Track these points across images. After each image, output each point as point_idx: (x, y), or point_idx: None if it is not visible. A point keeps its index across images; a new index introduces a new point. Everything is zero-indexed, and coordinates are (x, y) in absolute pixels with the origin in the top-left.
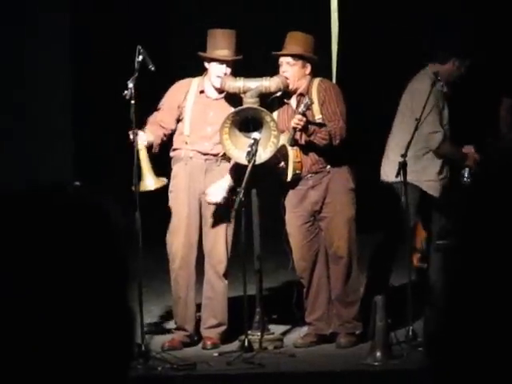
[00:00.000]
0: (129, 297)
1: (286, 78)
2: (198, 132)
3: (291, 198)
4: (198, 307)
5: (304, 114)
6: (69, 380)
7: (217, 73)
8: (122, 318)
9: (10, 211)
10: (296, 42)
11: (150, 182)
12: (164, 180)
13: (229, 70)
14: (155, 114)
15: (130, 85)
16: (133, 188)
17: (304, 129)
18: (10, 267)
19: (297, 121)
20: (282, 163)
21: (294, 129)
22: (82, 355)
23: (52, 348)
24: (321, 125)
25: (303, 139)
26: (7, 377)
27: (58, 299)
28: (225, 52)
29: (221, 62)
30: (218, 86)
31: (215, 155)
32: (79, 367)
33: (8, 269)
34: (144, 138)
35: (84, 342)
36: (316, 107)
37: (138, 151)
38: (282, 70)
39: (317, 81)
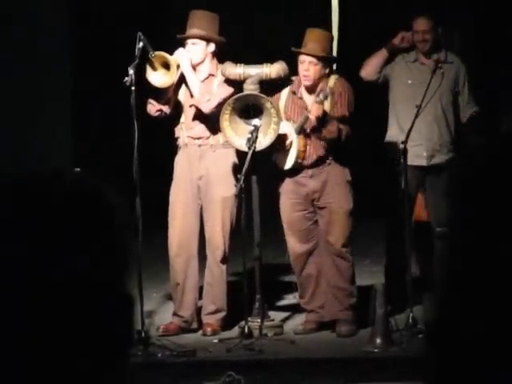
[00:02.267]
0: (128, 283)
1: (287, 65)
2: (189, 116)
3: (288, 185)
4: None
5: (322, 103)
6: (68, 367)
7: (190, 51)
8: (120, 304)
9: (9, 198)
10: (318, 41)
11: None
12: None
13: (196, 48)
14: None
15: (131, 71)
16: (134, 174)
17: (319, 118)
18: (8, 254)
19: (315, 110)
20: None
21: (307, 118)
22: (81, 342)
23: (51, 336)
24: (332, 119)
25: (312, 129)
26: (6, 364)
27: (57, 286)
28: (192, 30)
29: (191, 40)
30: (193, 62)
31: (208, 138)
32: (78, 354)
33: (6, 255)
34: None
35: (83, 328)
36: (328, 105)
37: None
38: (303, 67)
39: (333, 79)
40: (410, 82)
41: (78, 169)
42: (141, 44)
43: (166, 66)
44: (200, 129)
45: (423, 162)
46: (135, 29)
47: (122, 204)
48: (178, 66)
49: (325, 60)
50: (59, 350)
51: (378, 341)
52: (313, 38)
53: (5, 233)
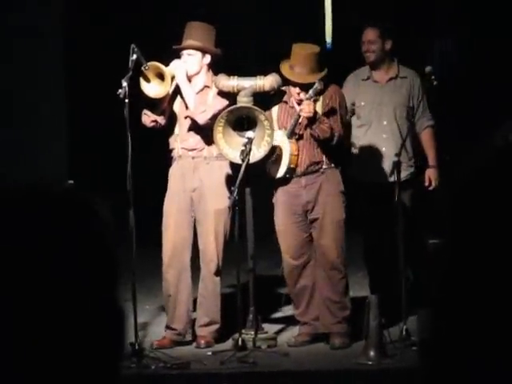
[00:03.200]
0: (119, 296)
1: (280, 77)
2: (184, 127)
3: (283, 196)
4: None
5: (312, 99)
6: (60, 379)
7: (185, 62)
8: (112, 317)
9: (3, 209)
10: (305, 63)
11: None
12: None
13: (192, 59)
14: None
15: (124, 83)
16: (127, 187)
17: (310, 118)
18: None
19: (305, 106)
20: (274, 158)
21: (297, 120)
22: (72, 354)
23: (41, 348)
24: (324, 119)
25: (303, 132)
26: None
27: (47, 298)
28: (188, 42)
29: (186, 51)
30: (189, 74)
31: (202, 150)
32: (69, 366)
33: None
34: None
35: (73, 340)
36: (319, 108)
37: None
38: (296, 97)
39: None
40: (362, 103)
41: (72, 181)
42: (134, 56)
43: (161, 76)
44: (194, 140)
45: (385, 179)
46: (130, 40)
47: (111, 216)
48: (173, 77)
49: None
50: (49, 362)
51: (372, 353)
52: (299, 61)
53: None
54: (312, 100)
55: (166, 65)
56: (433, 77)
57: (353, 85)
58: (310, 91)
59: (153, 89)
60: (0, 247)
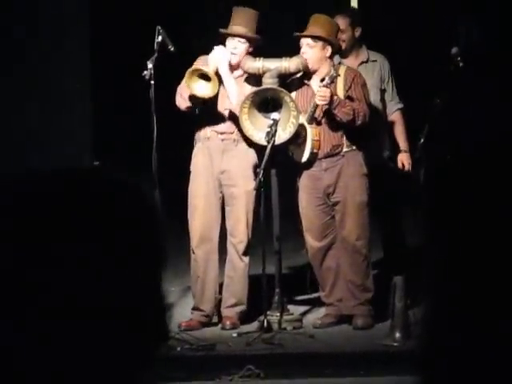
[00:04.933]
0: (162, 285)
1: (306, 59)
2: (216, 111)
3: (305, 180)
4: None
5: (328, 87)
6: (99, 363)
7: (230, 48)
8: (154, 302)
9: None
10: (317, 24)
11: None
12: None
13: (242, 47)
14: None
15: (150, 65)
16: (153, 168)
17: (328, 102)
18: (45, 248)
19: (322, 93)
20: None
21: (316, 105)
22: (112, 337)
23: (82, 329)
24: (345, 101)
25: (323, 117)
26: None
27: (91, 283)
28: (238, 28)
29: (233, 37)
30: (233, 62)
31: (232, 133)
32: (107, 349)
33: (43, 249)
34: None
35: (117, 327)
36: (341, 92)
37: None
38: (302, 51)
39: (344, 67)
40: None
41: (97, 162)
42: (160, 38)
43: (205, 77)
44: (226, 124)
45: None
46: (155, 23)
47: (158, 204)
48: (217, 74)
49: (323, 42)
50: (89, 345)
51: (398, 334)
52: (312, 23)
53: (40, 229)
54: (328, 86)
55: (205, 50)
56: (458, 58)
57: None
58: (327, 78)
59: (201, 89)
60: (49, 232)
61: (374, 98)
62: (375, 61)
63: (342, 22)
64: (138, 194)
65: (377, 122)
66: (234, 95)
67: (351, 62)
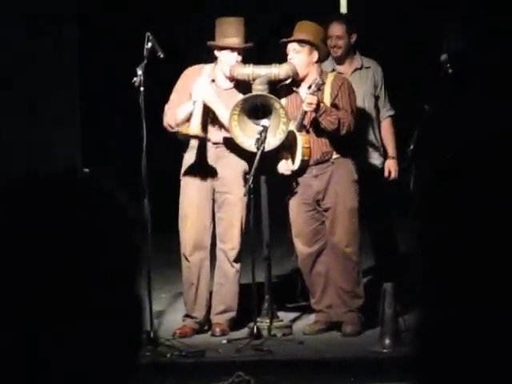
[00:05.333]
0: (138, 285)
1: (295, 66)
2: (211, 128)
3: (295, 186)
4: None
5: (315, 94)
6: (77, 368)
7: (229, 61)
8: (130, 304)
9: (22, 197)
10: (303, 29)
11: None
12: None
13: (239, 58)
14: (171, 99)
15: (139, 72)
16: (142, 175)
17: (315, 109)
18: (21, 253)
19: (309, 100)
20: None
21: (304, 113)
22: (90, 342)
23: (59, 335)
24: (331, 110)
25: (311, 124)
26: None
27: (67, 285)
28: (235, 40)
29: (232, 50)
30: (229, 74)
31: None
32: (87, 354)
33: (19, 255)
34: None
35: (91, 328)
36: (327, 100)
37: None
38: (289, 57)
39: (332, 75)
40: None
41: (87, 169)
42: (149, 44)
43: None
44: (220, 135)
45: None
46: (144, 29)
47: (131, 204)
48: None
49: (310, 47)
50: (67, 350)
51: (387, 341)
52: (298, 29)
53: (17, 233)
54: (315, 94)
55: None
56: (448, 65)
57: None
58: (313, 85)
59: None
60: (25, 236)
61: (368, 104)
62: (369, 67)
63: (338, 28)
64: (109, 194)
65: (370, 128)
66: (224, 117)
67: (345, 68)
